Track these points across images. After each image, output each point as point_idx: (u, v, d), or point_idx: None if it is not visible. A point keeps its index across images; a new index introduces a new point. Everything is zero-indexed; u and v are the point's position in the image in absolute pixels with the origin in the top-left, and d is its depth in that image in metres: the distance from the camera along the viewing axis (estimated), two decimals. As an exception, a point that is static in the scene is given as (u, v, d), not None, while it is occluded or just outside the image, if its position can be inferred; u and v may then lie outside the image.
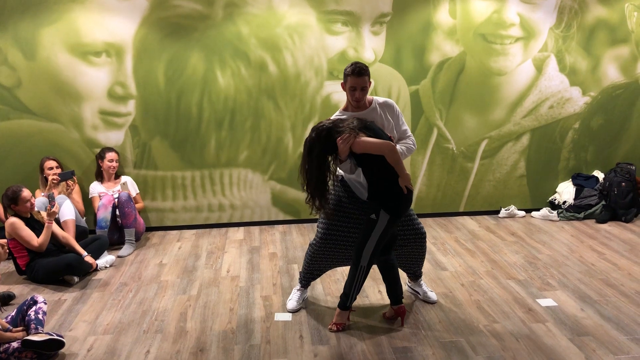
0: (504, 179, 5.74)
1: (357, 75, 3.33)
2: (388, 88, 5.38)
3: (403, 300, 3.55)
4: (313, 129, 3.26)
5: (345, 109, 3.48)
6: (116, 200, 4.96)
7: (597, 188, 5.63)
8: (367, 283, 4.12)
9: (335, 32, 5.20)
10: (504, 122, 5.60)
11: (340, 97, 5.32)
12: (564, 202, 5.63)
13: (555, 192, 5.81)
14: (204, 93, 5.20)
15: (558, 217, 5.57)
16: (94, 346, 3.31)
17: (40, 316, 3.26)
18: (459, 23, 5.34)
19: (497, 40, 5.39)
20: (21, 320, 3.30)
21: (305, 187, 3.29)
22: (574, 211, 5.57)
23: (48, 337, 3.10)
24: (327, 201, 3.35)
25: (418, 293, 3.87)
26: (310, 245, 3.67)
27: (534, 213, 5.72)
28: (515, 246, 4.88)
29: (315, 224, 5.54)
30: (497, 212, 5.79)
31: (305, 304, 3.79)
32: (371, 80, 3.48)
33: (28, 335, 3.14)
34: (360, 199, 3.51)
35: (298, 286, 3.82)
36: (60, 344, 3.16)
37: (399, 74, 5.37)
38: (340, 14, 5.16)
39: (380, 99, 3.51)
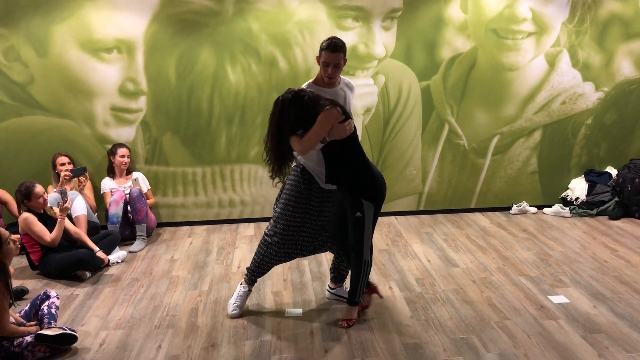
0: (515, 175, 5.71)
1: (331, 51, 3.26)
2: (399, 84, 5.36)
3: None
4: (292, 91, 3.12)
5: (316, 83, 3.40)
6: (127, 196, 4.99)
7: (610, 184, 5.58)
8: (378, 279, 4.12)
9: (346, 28, 5.18)
10: (515, 118, 5.56)
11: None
12: (577, 199, 5.59)
13: (568, 188, 5.77)
14: (214, 89, 5.21)
15: (570, 213, 5.53)
16: (106, 341, 3.34)
17: (53, 311, 3.29)
18: (470, 18, 5.30)
19: (509, 36, 5.35)
20: (34, 314, 3.33)
21: (267, 149, 3.18)
22: (587, 207, 5.52)
23: (61, 331, 3.13)
24: (284, 172, 3.26)
25: (343, 297, 3.74)
26: (267, 244, 3.49)
27: (545, 209, 5.68)
28: (526, 243, 4.85)
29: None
30: (509, 208, 5.76)
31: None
32: (346, 58, 3.39)
33: (41, 329, 3.16)
34: (322, 188, 3.42)
35: (245, 286, 3.65)
36: (73, 339, 3.19)
37: (410, 70, 5.35)
38: (351, 10, 5.14)
39: (346, 79, 3.50)
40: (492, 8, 5.28)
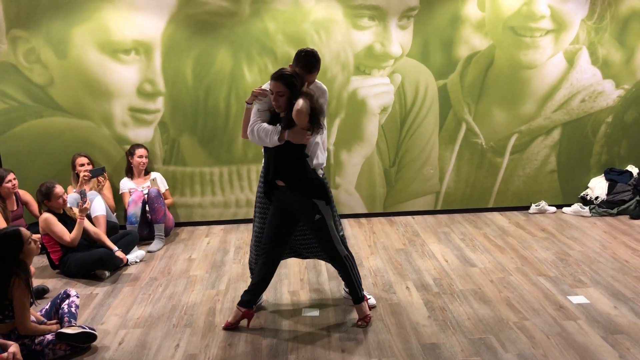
0: (534, 174, 5.65)
1: (308, 71, 3.25)
2: (415, 82, 5.34)
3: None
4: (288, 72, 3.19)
5: None
6: (146, 196, 5.03)
7: (631, 183, 5.50)
8: (394, 279, 4.11)
9: (362, 27, 5.17)
10: (534, 117, 5.50)
11: (366, 92, 5.30)
12: (596, 198, 5.52)
13: (587, 187, 5.69)
14: (231, 89, 5.23)
15: (590, 212, 5.46)
16: (125, 339, 3.37)
17: (73, 309, 3.33)
18: (487, 16, 5.26)
19: (527, 33, 5.29)
20: (55, 313, 3.37)
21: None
22: (607, 207, 5.45)
23: (81, 330, 3.17)
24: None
25: None
26: (251, 258, 3.66)
27: (565, 209, 5.61)
28: (545, 242, 4.80)
29: (343, 220, 5.54)
30: (527, 207, 5.70)
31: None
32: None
33: (62, 328, 3.21)
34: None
35: None
36: (93, 337, 3.22)
37: (427, 69, 5.32)
38: (367, 9, 5.13)
39: (319, 83, 3.47)
40: (510, 5, 5.23)
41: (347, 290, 3.79)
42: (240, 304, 3.43)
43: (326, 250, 3.38)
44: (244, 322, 3.48)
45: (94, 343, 3.31)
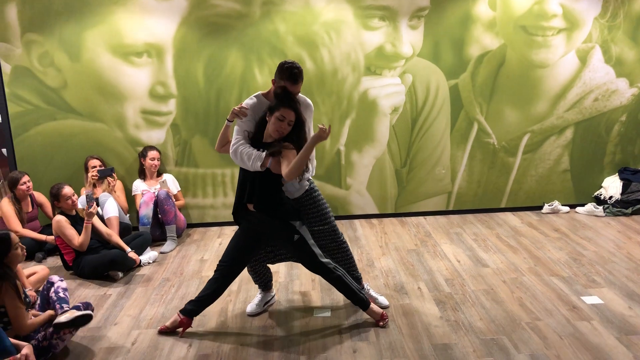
0: (547, 174, 5.61)
1: (293, 82, 3.20)
2: (426, 82, 5.33)
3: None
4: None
5: (266, 97, 3.35)
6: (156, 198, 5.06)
7: (646, 182, 5.44)
8: (406, 279, 4.10)
9: (372, 28, 5.17)
10: (546, 116, 5.46)
11: (377, 92, 5.30)
12: (610, 197, 5.47)
13: (601, 187, 5.64)
14: (242, 91, 5.25)
15: (604, 212, 5.41)
16: (137, 340, 3.39)
17: (61, 294, 3.31)
18: (498, 15, 5.23)
19: (539, 32, 5.26)
20: (47, 304, 3.38)
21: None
22: (621, 206, 5.40)
23: (75, 315, 3.14)
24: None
25: (371, 297, 3.70)
26: None
27: (578, 209, 5.57)
28: (559, 242, 4.76)
29: (354, 221, 5.54)
30: (540, 207, 5.66)
31: (268, 307, 3.75)
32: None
33: (57, 315, 3.21)
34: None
35: (259, 290, 3.77)
36: (88, 317, 3.21)
37: (438, 68, 5.31)
38: (377, 9, 5.13)
39: (302, 98, 3.39)
40: (521, 4, 5.20)
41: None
42: (182, 311, 3.43)
43: (313, 267, 3.37)
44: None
45: (107, 344, 3.34)
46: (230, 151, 3.30)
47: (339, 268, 3.42)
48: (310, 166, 3.36)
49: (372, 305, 3.45)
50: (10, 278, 3.04)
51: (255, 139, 3.29)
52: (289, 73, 3.19)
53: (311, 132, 3.42)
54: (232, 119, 3.34)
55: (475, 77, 5.35)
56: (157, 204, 5.02)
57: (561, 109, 5.45)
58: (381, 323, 3.42)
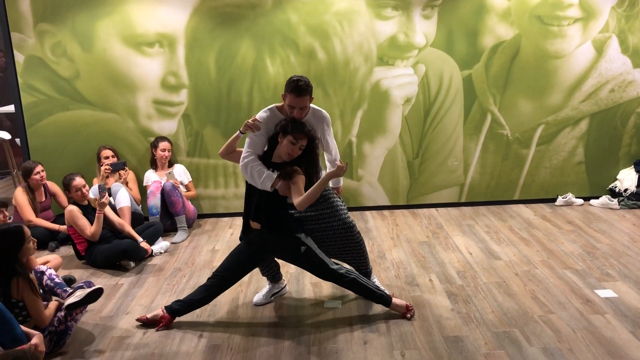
0: (561, 166, 5.55)
1: (297, 95, 3.18)
2: (440, 73, 5.28)
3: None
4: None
5: (280, 110, 3.34)
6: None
7: (662, 175, 5.37)
8: (417, 271, 4.08)
9: (385, 17, 5.12)
10: (561, 107, 5.39)
11: (389, 83, 5.26)
12: (625, 190, 5.39)
13: (616, 179, 5.57)
14: (254, 82, 5.24)
15: (619, 205, 5.35)
16: (149, 329, 3.41)
17: (56, 280, 3.35)
18: (513, 5, 5.16)
19: (554, 22, 5.19)
20: (46, 293, 3.40)
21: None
22: (636, 199, 5.33)
23: (86, 292, 3.21)
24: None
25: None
26: None
27: (592, 201, 5.51)
28: (572, 235, 4.71)
29: (365, 212, 5.52)
30: (554, 200, 5.61)
31: (276, 299, 3.75)
32: (312, 96, 3.34)
33: (63, 299, 3.26)
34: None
35: (267, 282, 3.79)
36: (99, 292, 3.28)
37: (451, 59, 5.25)
38: (390, -1, 5.08)
39: (316, 109, 3.40)
40: (537, -6, 5.13)
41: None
42: (167, 307, 3.44)
43: (325, 276, 3.39)
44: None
45: (119, 333, 3.36)
46: (241, 164, 3.31)
47: (351, 271, 3.43)
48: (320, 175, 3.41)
49: (395, 300, 3.43)
50: (23, 273, 3.06)
51: (264, 156, 3.30)
52: (294, 85, 3.18)
53: (330, 141, 3.49)
54: (244, 131, 3.33)
55: (489, 68, 5.29)
56: (164, 196, 5.01)
57: (576, 100, 5.38)
58: (408, 315, 3.40)
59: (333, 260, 3.52)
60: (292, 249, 3.32)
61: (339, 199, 3.56)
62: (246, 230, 3.43)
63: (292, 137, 3.16)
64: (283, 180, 3.18)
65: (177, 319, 3.48)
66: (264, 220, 3.30)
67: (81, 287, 3.30)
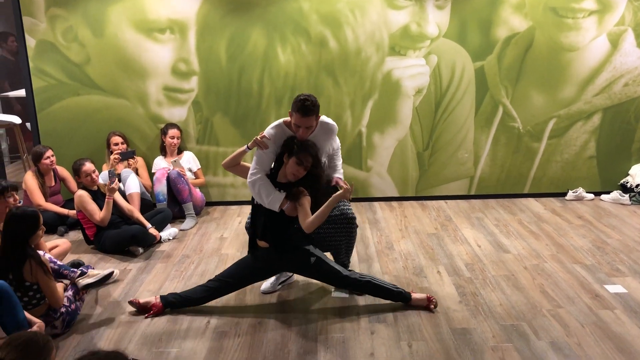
0: (572, 160, 5.50)
1: (302, 114, 3.16)
2: (452, 64, 5.23)
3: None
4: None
5: (288, 126, 3.32)
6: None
7: (675, 171, 5.31)
8: (426, 263, 4.07)
9: (398, 7, 5.08)
10: (574, 101, 5.34)
11: (401, 73, 5.22)
12: (637, 185, 5.34)
13: (628, 174, 5.52)
14: (264, 70, 5.21)
15: (630, 200, 5.30)
16: (157, 315, 3.42)
17: (58, 262, 3.42)
18: (528, -4, 5.11)
19: (569, 14, 5.12)
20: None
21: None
22: (648, 195, 5.28)
23: (102, 274, 3.44)
24: None
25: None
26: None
27: (603, 196, 5.46)
28: (582, 230, 4.68)
29: (374, 203, 5.50)
30: (564, 194, 5.56)
31: (284, 287, 3.75)
32: (319, 115, 3.32)
33: (72, 279, 3.37)
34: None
35: None
36: (111, 274, 3.57)
37: (464, 50, 5.20)
38: (404, -12, 5.03)
39: (325, 121, 3.39)
40: (552, -15, 5.06)
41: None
42: (162, 297, 3.45)
43: (339, 283, 3.41)
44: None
45: (126, 318, 3.38)
46: (248, 180, 3.31)
47: (365, 274, 3.45)
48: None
49: (414, 295, 3.42)
50: (35, 256, 3.08)
51: (269, 177, 3.31)
52: (300, 105, 3.15)
53: (336, 147, 3.52)
54: (252, 147, 3.32)
55: (501, 60, 5.24)
56: (170, 184, 5.00)
57: (589, 93, 5.32)
58: (432, 306, 3.38)
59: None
60: (302, 261, 3.35)
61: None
62: (253, 246, 3.45)
63: (298, 159, 3.17)
64: (290, 202, 3.21)
65: (185, 305, 3.50)
66: (271, 240, 3.34)
67: (85, 268, 3.41)
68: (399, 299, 3.41)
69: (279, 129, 3.32)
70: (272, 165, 3.35)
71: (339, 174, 3.58)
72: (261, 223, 3.33)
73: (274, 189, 3.23)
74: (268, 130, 3.32)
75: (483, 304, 3.45)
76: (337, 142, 3.58)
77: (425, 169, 5.51)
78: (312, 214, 3.16)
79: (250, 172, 3.32)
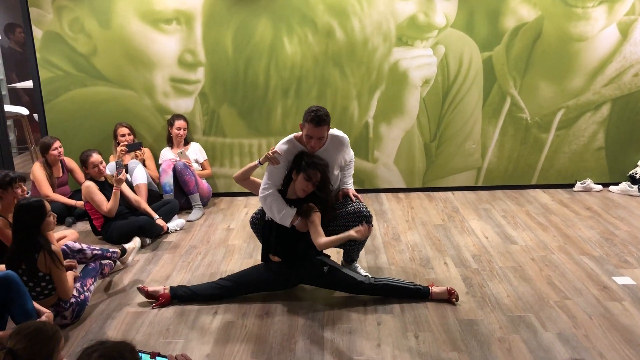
0: (580, 151, 5.46)
1: (315, 125, 3.17)
2: (459, 54, 5.20)
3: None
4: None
5: (300, 141, 3.34)
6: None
7: (684, 162, 5.26)
8: (432, 254, 4.06)
9: (405, -3, 5.04)
10: (582, 91, 5.30)
11: (408, 64, 5.19)
12: (646, 177, 5.31)
13: (637, 165, 5.48)
14: (271, 61, 5.20)
15: (639, 192, 5.26)
16: (164, 305, 3.43)
17: (96, 247, 3.71)
18: (537, -15, 5.05)
19: (579, 4, 5.07)
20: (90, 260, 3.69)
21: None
22: (657, 186, 5.24)
23: (135, 244, 4.01)
24: None
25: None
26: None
27: (612, 187, 5.43)
28: (590, 221, 4.65)
29: (380, 194, 5.49)
30: (572, 185, 5.53)
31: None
32: (330, 126, 3.33)
33: (118, 259, 3.84)
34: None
35: None
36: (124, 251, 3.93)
37: (472, 40, 5.17)
38: (411, -22, 4.99)
39: (335, 134, 3.40)
40: (561, -26, 5.01)
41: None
42: (172, 288, 3.45)
43: (355, 290, 3.40)
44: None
45: (133, 309, 3.40)
46: (260, 196, 3.35)
47: (380, 277, 3.45)
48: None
49: (433, 289, 3.40)
50: (48, 246, 3.10)
51: (280, 191, 3.34)
52: (313, 115, 3.17)
53: (348, 159, 3.55)
54: (263, 162, 3.35)
55: (509, 50, 5.20)
56: (177, 176, 5.01)
57: (598, 84, 5.27)
58: (453, 299, 3.36)
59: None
60: (315, 271, 3.37)
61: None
62: (266, 260, 3.48)
63: (306, 174, 3.20)
64: (301, 218, 3.24)
65: (192, 296, 3.51)
66: (283, 255, 3.38)
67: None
68: (418, 296, 3.38)
69: (290, 144, 3.34)
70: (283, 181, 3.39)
71: (349, 185, 3.60)
72: (273, 237, 3.37)
73: (286, 205, 3.28)
74: (279, 146, 3.36)
75: (490, 295, 3.44)
76: (350, 153, 3.60)
77: (433, 160, 5.49)
78: (322, 227, 3.23)
79: (261, 187, 3.36)
